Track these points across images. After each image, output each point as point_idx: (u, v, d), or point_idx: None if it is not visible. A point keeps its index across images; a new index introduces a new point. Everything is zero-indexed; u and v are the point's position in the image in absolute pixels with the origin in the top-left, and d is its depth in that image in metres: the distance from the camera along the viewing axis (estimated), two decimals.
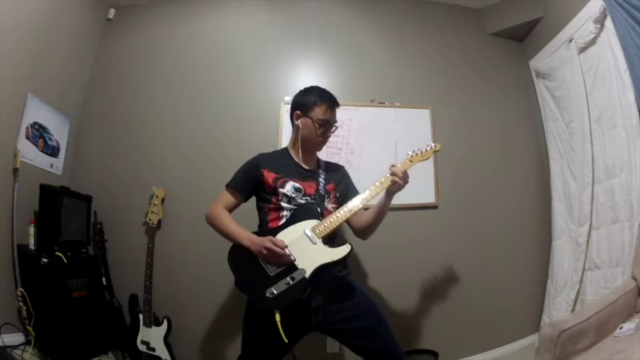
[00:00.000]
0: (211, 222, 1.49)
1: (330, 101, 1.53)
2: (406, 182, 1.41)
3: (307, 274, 1.30)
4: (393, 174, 1.40)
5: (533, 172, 2.52)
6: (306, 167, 1.54)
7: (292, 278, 1.29)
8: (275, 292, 1.27)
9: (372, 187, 1.43)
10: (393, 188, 1.41)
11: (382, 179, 1.43)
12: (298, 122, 1.53)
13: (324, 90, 1.57)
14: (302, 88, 1.60)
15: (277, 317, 1.25)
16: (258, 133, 2.34)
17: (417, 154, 1.50)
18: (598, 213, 1.98)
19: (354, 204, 1.42)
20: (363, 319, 1.38)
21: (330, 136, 1.57)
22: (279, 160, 1.53)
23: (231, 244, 1.42)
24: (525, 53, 2.72)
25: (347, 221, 1.46)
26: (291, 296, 1.27)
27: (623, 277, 1.69)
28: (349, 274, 1.47)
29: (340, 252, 1.35)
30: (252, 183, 1.49)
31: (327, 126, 1.52)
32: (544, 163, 2.50)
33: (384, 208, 1.47)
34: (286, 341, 1.23)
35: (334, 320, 1.37)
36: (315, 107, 1.50)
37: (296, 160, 1.54)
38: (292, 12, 2.64)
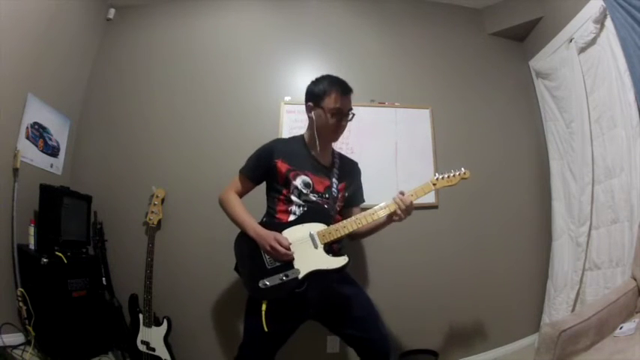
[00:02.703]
0: (222, 206, 1.53)
1: (340, 88, 1.47)
2: (408, 215, 1.40)
3: (300, 276, 1.33)
4: (397, 206, 1.38)
5: (533, 172, 2.52)
6: (321, 162, 1.54)
7: (286, 275, 1.33)
8: (267, 284, 1.33)
9: (379, 211, 1.41)
10: (394, 218, 1.41)
11: (389, 204, 1.41)
12: (312, 114, 1.51)
13: (335, 77, 1.51)
14: (314, 78, 1.55)
15: (263, 307, 1.31)
16: (258, 133, 2.32)
17: (442, 179, 1.48)
18: (598, 213, 1.98)
19: (364, 217, 1.41)
20: (357, 310, 1.43)
21: (345, 125, 1.53)
22: (295, 150, 1.53)
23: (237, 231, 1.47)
24: (525, 53, 2.72)
25: None
26: (281, 292, 1.33)
27: (623, 277, 1.69)
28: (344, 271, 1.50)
29: (337, 262, 1.37)
30: (264, 170, 1.51)
31: (340, 115, 1.47)
32: (544, 163, 2.50)
33: (379, 228, 1.49)
34: (266, 330, 1.29)
35: (329, 310, 1.43)
36: (325, 97, 1.46)
37: (312, 152, 1.54)
38: (292, 12, 2.63)
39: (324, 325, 1.50)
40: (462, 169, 1.50)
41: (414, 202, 1.42)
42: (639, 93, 1.73)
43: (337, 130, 1.51)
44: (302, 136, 1.59)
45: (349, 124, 2.31)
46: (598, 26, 1.99)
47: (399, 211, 1.38)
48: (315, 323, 1.51)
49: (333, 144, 1.62)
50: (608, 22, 1.92)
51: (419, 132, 2.42)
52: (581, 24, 2.12)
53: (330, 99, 1.46)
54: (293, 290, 1.33)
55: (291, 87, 2.45)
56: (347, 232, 1.39)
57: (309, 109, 1.52)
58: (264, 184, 1.58)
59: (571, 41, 2.20)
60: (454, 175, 1.48)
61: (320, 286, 1.37)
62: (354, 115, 1.53)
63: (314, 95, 1.50)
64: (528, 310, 2.29)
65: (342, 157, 1.64)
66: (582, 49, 2.13)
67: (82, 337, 1.83)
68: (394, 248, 2.23)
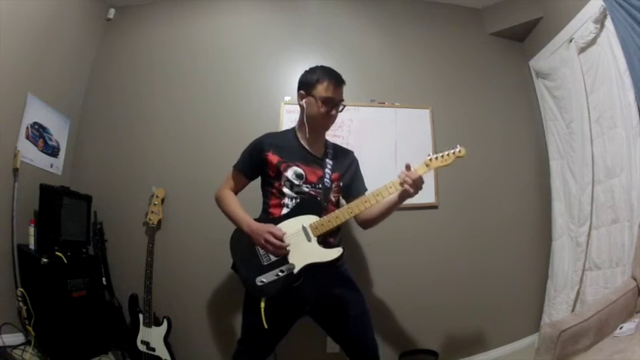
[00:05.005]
0: (218, 203, 1.54)
1: (333, 78, 1.46)
2: (418, 190, 1.34)
3: (295, 270, 1.34)
4: (404, 181, 1.32)
5: (533, 172, 2.52)
6: (313, 152, 1.52)
7: (282, 271, 1.34)
8: (264, 281, 1.34)
9: (380, 192, 1.36)
10: (403, 195, 1.36)
11: (390, 184, 1.35)
12: (302, 102, 1.49)
13: (328, 68, 1.50)
14: (308, 68, 1.54)
15: (262, 304, 1.31)
16: (258, 133, 2.29)
17: (436, 159, 1.37)
18: (598, 213, 1.98)
19: (357, 205, 1.38)
20: (350, 308, 1.42)
21: (336, 115, 1.49)
22: (285, 142, 1.52)
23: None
24: (525, 53, 2.72)
25: None
26: (278, 288, 1.33)
27: (623, 277, 1.69)
28: (342, 265, 1.49)
29: (330, 254, 1.37)
30: (257, 164, 1.51)
31: (330, 104, 1.45)
32: (544, 163, 2.50)
33: (392, 208, 1.45)
34: (266, 327, 1.30)
35: (324, 306, 1.43)
36: (317, 85, 1.45)
37: (303, 143, 1.52)
38: (293, 12, 2.63)
39: (318, 323, 1.50)
40: (458, 146, 1.37)
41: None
42: (639, 93, 1.73)
43: (327, 118, 1.48)
44: (293, 128, 1.58)
45: (349, 124, 2.38)
46: (598, 26, 1.99)
47: (406, 186, 1.32)
48: (314, 323, 1.50)
49: (325, 135, 1.59)
50: (608, 22, 1.92)
51: (419, 132, 2.42)
52: (581, 24, 2.12)
53: (322, 87, 1.44)
54: (290, 285, 1.33)
55: (291, 87, 2.43)
56: (339, 222, 1.38)
57: (300, 97, 1.51)
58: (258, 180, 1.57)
59: (571, 41, 2.19)
60: (448, 154, 1.36)
61: (317, 280, 1.37)
62: (344, 106, 1.52)
63: (306, 83, 1.49)
64: (528, 310, 2.29)
65: (335, 147, 1.61)
66: (582, 49, 2.13)
67: (82, 337, 1.83)
68: (394, 248, 2.23)
